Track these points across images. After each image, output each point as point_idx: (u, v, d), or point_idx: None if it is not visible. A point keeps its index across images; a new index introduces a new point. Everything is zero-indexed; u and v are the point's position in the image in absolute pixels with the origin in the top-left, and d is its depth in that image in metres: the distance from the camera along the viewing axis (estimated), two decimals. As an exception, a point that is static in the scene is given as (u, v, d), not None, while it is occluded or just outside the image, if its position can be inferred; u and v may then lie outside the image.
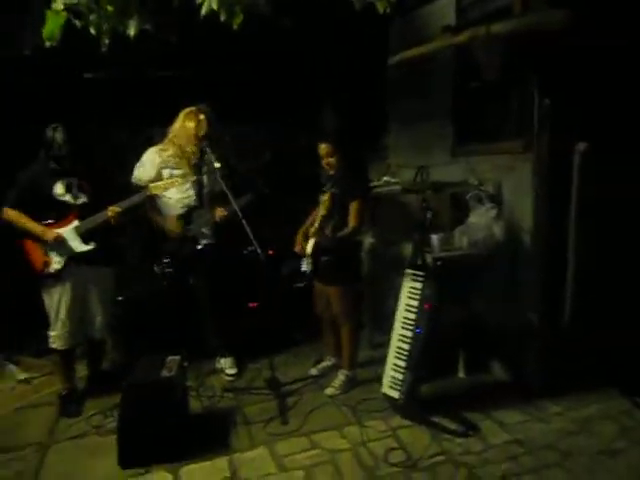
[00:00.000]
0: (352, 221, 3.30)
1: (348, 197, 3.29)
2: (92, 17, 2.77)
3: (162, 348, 3.17)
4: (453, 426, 2.99)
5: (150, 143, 3.70)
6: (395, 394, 3.12)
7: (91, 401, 3.49)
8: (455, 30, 3.21)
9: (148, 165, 3.59)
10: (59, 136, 3.18)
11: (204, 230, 3.67)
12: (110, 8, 2.66)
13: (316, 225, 3.30)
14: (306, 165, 4.68)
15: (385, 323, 3.50)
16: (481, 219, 3.31)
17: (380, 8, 2.50)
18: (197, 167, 3.61)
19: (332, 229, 3.27)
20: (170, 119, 3.65)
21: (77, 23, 2.75)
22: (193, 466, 2.74)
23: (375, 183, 4.02)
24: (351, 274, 3.47)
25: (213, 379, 3.74)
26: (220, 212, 3.60)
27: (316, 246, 3.30)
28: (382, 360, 3.34)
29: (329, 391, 3.44)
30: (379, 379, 3.31)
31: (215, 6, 2.43)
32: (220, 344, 3.82)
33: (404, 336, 3.15)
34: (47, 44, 2.61)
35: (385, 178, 4.07)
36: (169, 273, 3.49)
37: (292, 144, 4.68)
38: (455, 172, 3.77)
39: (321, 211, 3.31)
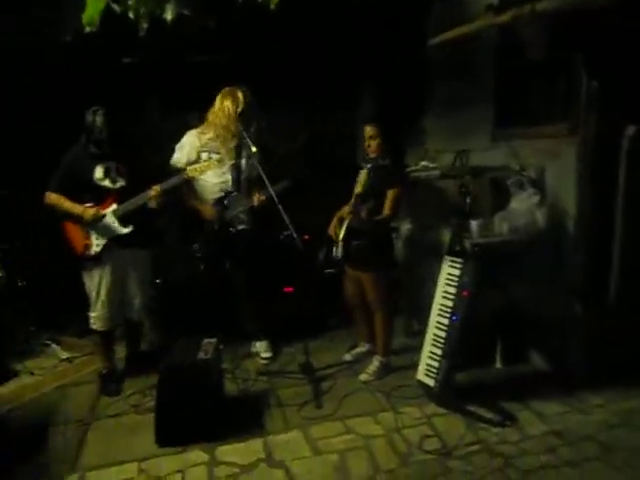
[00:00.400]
0: (387, 209, 3.26)
1: (386, 183, 3.25)
2: (130, 1, 2.79)
3: (198, 330, 3.22)
4: (489, 415, 2.94)
5: (187, 127, 3.72)
6: (430, 382, 3.09)
7: (130, 381, 3.58)
8: (498, 9, 3.09)
9: (187, 147, 3.60)
10: (99, 119, 3.22)
11: (241, 215, 3.67)
12: (148, -8, 2.67)
13: (351, 203, 3.26)
14: (342, 149, 4.68)
15: (421, 310, 3.46)
16: (522, 205, 3.22)
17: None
18: (236, 151, 3.59)
19: (367, 212, 3.23)
20: (207, 104, 3.64)
21: (116, 8, 2.77)
22: (228, 447, 2.78)
23: (412, 168, 3.95)
24: (385, 260, 3.44)
25: (248, 362, 3.78)
26: (258, 198, 3.57)
27: (349, 229, 3.26)
28: (417, 348, 3.31)
29: (363, 377, 3.43)
30: (414, 366, 3.28)
31: (253, -13, 2.41)
32: (255, 328, 3.85)
33: (441, 323, 3.10)
34: (87, 29, 2.64)
35: (423, 163, 4.00)
36: (206, 257, 3.51)
37: (328, 128, 4.64)
38: (495, 157, 3.66)
39: (357, 189, 3.26)
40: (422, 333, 3.29)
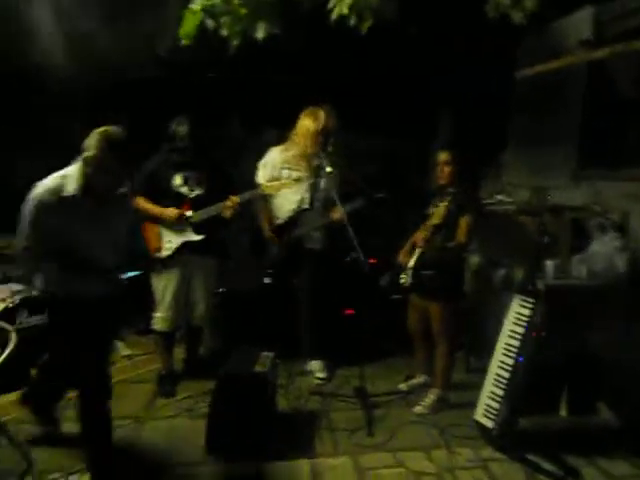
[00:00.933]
0: (461, 236, 3.20)
1: (461, 211, 3.19)
2: (224, 19, 2.90)
3: (257, 342, 3.25)
4: (550, 468, 2.77)
5: (265, 143, 3.80)
6: (489, 423, 2.96)
7: (185, 384, 3.63)
8: (593, 44, 2.99)
9: (270, 164, 3.68)
10: (183, 129, 3.34)
11: (312, 233, 3.70)
12: (243, 11, 2.76)
13: (427, 234, 3.21)
14: (414, 176, 4.64)
15: (484, 347, 3.34)
16: (603, 248, 3.06)
17: (515, 18, 2.39)
18: (316, 170, 3.63)
19: (440, 241, 3.17)
20: (287, 122, 3.71)
21: (210, 24, 2.89)
22: (276, 464, 2.76)
23: (487, 201, 3.86)
24: (454, 291, 3.37)
25: (302, 380, 3.76)
26: (337, 213, 3.49)
27: (421, 258, 3.22)
28: (477, 385, 3.19)
29: (418, 409, 3.34)
30: (472, 405, 3.15)
31: (346, 10, 2.45)
32: (313, 346, 3.83)
33: (505, 363, 2.98)
34: (183, 43, 2.77)
35: (499, 197, 3.90)
36: (272, 271, 3.55)
37: (403, 154, 4.62)
38: (575, 196, 3.53)
39: (434, 220, 3.21)
40: (482, 370, 3.18)
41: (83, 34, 3.79)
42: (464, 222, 3.19)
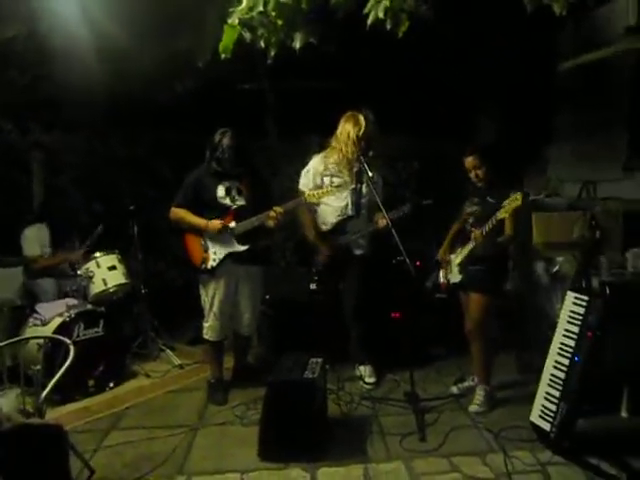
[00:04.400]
0: (509, 230, 3.17)
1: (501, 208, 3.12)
2: (261, 30, 2.95)
3: (305, 348, 3.26)
4: (613, 471, 2.66)
5: (304, 152, 3.83)
6: (546, 425, 2.87)
7: (235, 391, 3.69)
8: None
9: (312, 172, 3.71)
10: (226, 141, 3.41)
11: (359, 240, 3.70)
12: (280, 21, 2.80)
13: (477, 233, 3.17)
14: (454, 178, 4.57)
15: (536, 346, 3.25)
16: (659, 241, 2.94)
17: (557, 9, 2.33)
18: (357, 175, 3.63)
19: (486, 238, 3.14)
20: (325, 129, 3.74)
21: (247, 36, 2.94)
22: (329, 469, 2.76)
23: (533, 197, 3.76)
24: (496, 285, 3.34)
25: (351, 385, 3.74)
26: (382, 221, 3.50)
27: (471, 254, 3.22)
28: (530, 385, 3.13)
29: (473, 408, 3.30)
30: (526, 405, 3.07)
31: (381, 14, 2.45)
32: (361, 351, 3.82)
33: (560, 363, 2.89)
34: (222, 56, 2.83)
35: (545, 191, 3.80)
36: (319, 277, 3.57)
37: (440, 154, 4.57)
38: (628, 188, 3.39)
39: (501, 215, 3.07)
40: (534, 370, 3.10)
41: (128, 52, 3.95)
42: (513, 216, 3.13)
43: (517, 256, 3.73)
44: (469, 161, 3.27)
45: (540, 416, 2.92)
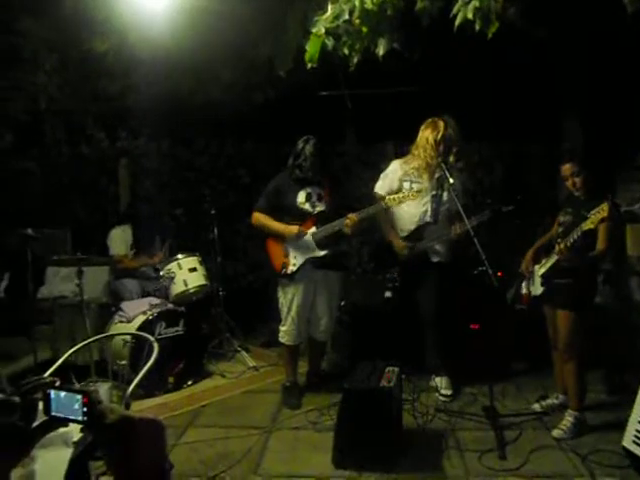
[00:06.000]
0: (600, 244, 2.97)
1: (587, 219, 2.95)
2: (345, 38, 2.96)
3: (379, 356, 3.22)
4: None
5: (382, 158, 3.81)
6: (640, 451, 2.68)
7: (309, 396, 3.71)
8: None
9: (390, 176, 3.69)
10: (309, 148, 3.46)
11: (436, 246, 3.64)
12: (365, 29, 2.80)
13: (562, 245, 3.02)
14: (540, 184, 4.40)
15: (629, 365, 3.04)
16: None
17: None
18: (437, 182, 3.58)
19: (573, 250, 2.98)
20: (401, 136, 3.70)
21: (329, 44, 2.96)
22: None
23: (626, 208, 3.54)
24: (584, 300, 3.13)
25: (427, 396, 3.66)
26: (456, 229, 3.47)
27: (554, 266, 3.05)
28: (622, 407, 2.94)
29: (556, 433, 3.10)
30: (617, 429, 2.87)
31: (470, 15, 2.40)
32: (438, 362, 3.74)
33: (657, 385, 2.69)
34: (309, 66, 2.87)
35: (640, 203, 3.57)
36: (396, 285, 3.53)
37: (525, 160, 4.41)
38: None
39: (587, 226, 2.91)
40: (626, 391, 2.90)
41: (210, 62, 4.09)
42: (602, 229, 2.95)
43: (610, 269, 3.52)
44: (567, 168, 3.09)
45: (634, 441, 2.72)
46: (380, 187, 3.71)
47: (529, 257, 3.35)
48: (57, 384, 1.19)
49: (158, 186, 5.47)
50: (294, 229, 3.46)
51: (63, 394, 1.14)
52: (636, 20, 2.40)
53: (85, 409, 1.12)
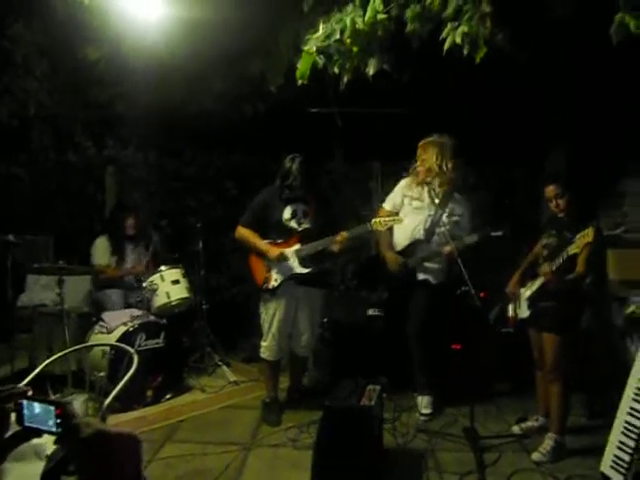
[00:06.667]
0: (580, 266, 3.01)
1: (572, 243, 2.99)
2: (335, 57, 3.00)
3: (360, 374, 3.20)
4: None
5: (368, 177, 3.85)
6: (618, 477, 2.66)
7: (289, 413, 3.67)
8: None
9: (396, 192, 3.76)
10: (295, 166, 3.47)
11: (425, 264, 3.65)
12: (355, 48, 2.85)
13: (546, 268, 3.05)
14: (522, 207, 4.46)
15: (608, 389, 3.06)
16: None
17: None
18: (441, 204, 3.58)
19: (559, 273, 3.01)
20: (391, 155, 3.74)
21: (320, 62, 3.00)
22: (383, 501, 2.68)
23: (608, 232, 3.60)
24: (570, 323, 3.15)
25: (408, 416, 3.64)
26: (448, 247, 3.45)
27: (541, 289, 3.08)
28: (600, 431, 2.93)
29: (536, 456, 3.09)
30: (595, 453, 2.87)
31: (459, 40, 2.44)
32: (420, 381, 3.71)
33: (636, 410, 2.69)
34: (299, 82, 2.90)
35: (622, 227, 3.63)
36: (382, 302, 3.53)
37: (510, 184, 4.48)
38: None
39: (572, 250, 2.96)
40: (605, 415, 2.91)
41: (201, 75, 4.11)
42: (585, 252, 2.99)
43: (591, 294, 3.55)
44: (550, 190, 3.14)
45: (612, 467, 2.72)
46: (386, 202, 3.78)
47: (516, 279, 3.36)
48: (29, 394, 1.16)
49: (144, 196, 5.44)
50: (275, 252, 3.45)
51: (36, 404, 1.12)
52: (621, 49, 2.47)
53: (59, 420, 1.10)
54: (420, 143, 3.62)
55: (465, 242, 3.41)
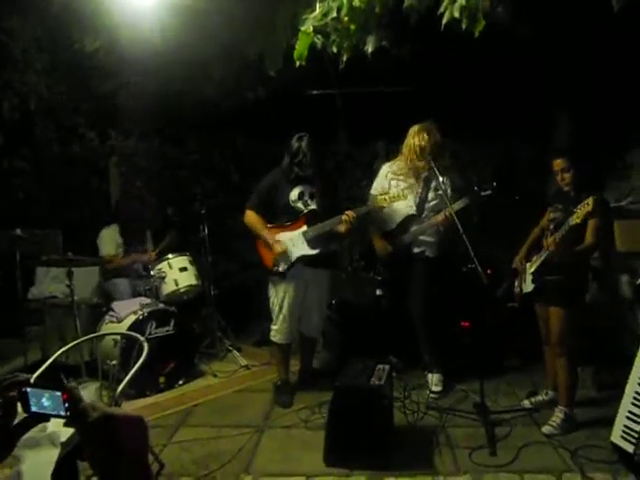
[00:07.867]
0: (589, 238, 2.99)
1: (590, 213, 2.96)
2: (333, 36, 2.96)
3: (369, 354, 3.23)
4: None
5: (373, 157, 3.84)
6: (629, 447, 2.68)
7: (300, 395, 3.70)
8: None
9: (380, 177, 3.77)
10: (305, 144, 3.45)
11: (420, 238, 3.66)
12: (353, 26, 2.81)
13: (550, 240, 3.04)
14: (530, 182, 4.41)
15: (617, 361, 3.06)
16: None
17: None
18: (424, 181, 3.64)
19: (560, 247, 2.99)
20: (397, 133, 3.72)
21: (319, 42, 2.96)
22: (396, 477, 2.70)
23: (615, 204, 3.56)
24: (575, 296, 3.15)
25: (418, 394, 3.65)
26: (439, 217, 3.52)
27: (547, 261, 3.06)
28: (610, 403, 2.95)
29: (546, 429, 3.11)
30: (606, 425, 2.87)
31: (457, 14, 2.41)
32: (429, 359, 3.73)
33: (646, 381, 2.70)
34: (297, 64, 2.87)
35: (629, 199, 3.59)
36: (383, 281, 3.53)
37: (515, 159, 4.43)
38: None
39: (574, 220, 2.91)
40: (615, 387, 2.92)
41: (201, 61, 4.08)
42: (591, 224, 2.98)
43: (598, 266, 3.53)
44: (557, 163, 3.11)
45: (622, 437, 2.73)
46: (374, 188, 3.80)
47: (522, 254, 3.36)
48: (32, 381, 1.17)
49: (149, 185, 5.44)
50: (278, 249, 3.46)
51: (42, 391, 1.13)
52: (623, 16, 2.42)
53: (67, 405, 1.11)
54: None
55: (455, 208, 3.39)
